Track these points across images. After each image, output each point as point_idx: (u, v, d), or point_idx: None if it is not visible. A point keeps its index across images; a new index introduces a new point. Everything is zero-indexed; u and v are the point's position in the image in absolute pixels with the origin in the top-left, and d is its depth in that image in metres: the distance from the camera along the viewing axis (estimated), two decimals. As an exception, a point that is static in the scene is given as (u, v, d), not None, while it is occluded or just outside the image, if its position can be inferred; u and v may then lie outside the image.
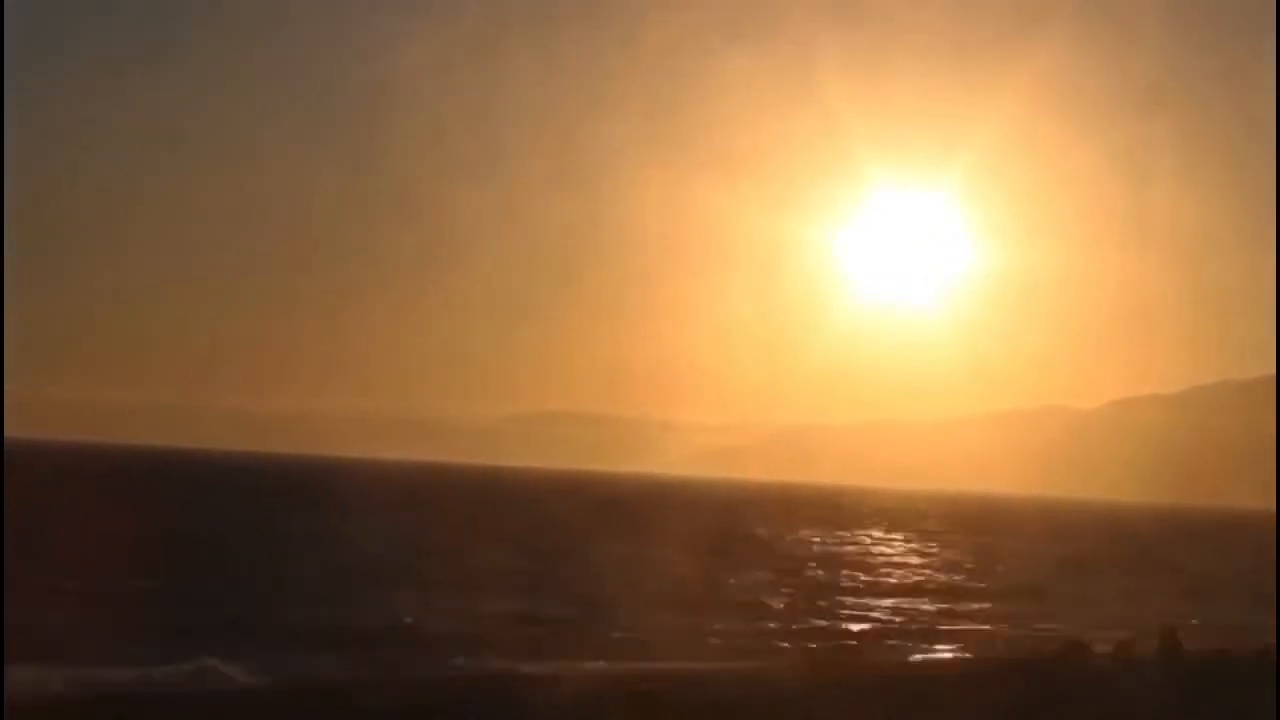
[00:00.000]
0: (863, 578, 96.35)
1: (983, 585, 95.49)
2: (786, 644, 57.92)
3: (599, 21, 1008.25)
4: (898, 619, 71.56)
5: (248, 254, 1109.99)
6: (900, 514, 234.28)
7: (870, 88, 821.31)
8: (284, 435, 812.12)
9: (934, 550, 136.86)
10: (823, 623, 66.81)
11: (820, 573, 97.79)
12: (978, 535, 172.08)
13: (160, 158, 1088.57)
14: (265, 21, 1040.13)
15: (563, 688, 37.62)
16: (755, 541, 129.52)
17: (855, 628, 66.14)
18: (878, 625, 68.28)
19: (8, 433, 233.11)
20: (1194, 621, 67.28)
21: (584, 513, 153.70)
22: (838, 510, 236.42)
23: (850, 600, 79.98)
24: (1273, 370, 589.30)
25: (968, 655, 57.09)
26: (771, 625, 65.05)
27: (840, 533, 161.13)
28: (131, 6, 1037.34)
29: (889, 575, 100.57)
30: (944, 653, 58.84)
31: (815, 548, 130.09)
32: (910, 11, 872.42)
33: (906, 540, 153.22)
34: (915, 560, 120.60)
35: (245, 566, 77.11)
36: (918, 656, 57.63)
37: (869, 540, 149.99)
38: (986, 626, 69.50)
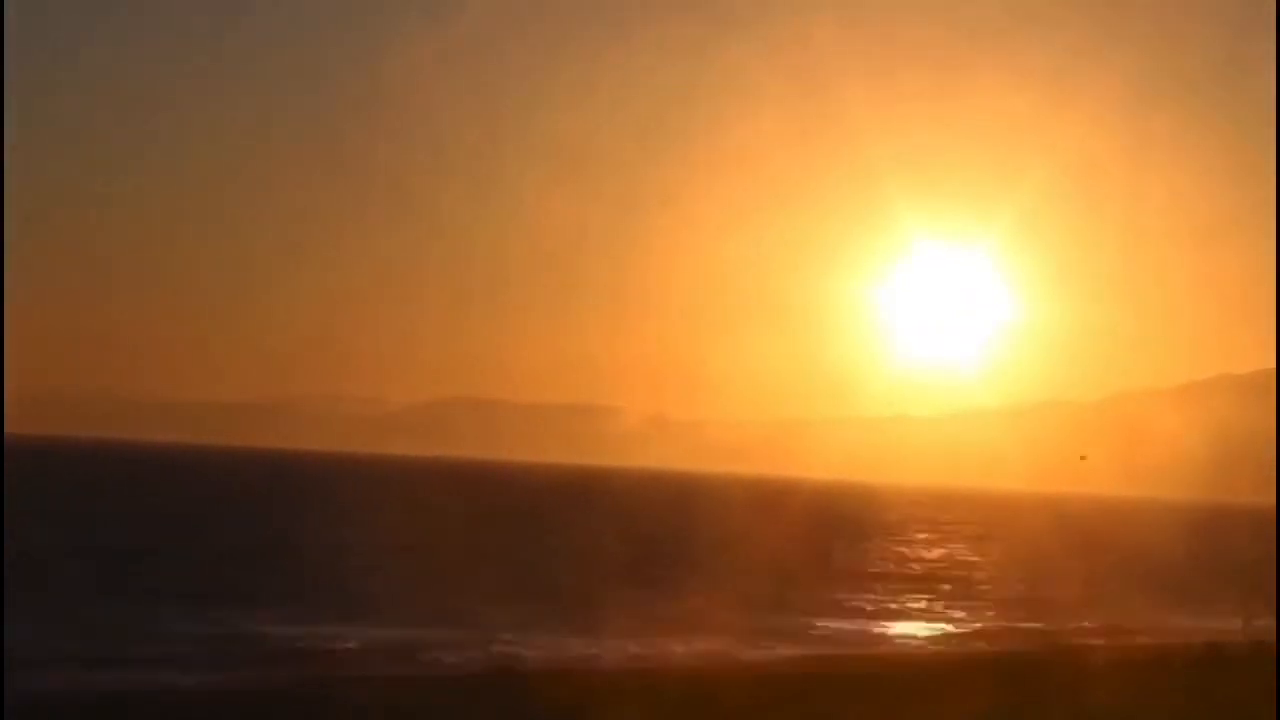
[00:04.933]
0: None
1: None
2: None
3: (631, 46, 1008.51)
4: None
5: (235, 247, 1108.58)
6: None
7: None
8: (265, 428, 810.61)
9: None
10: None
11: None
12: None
13: (158, 156, 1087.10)
14: (265, 20, 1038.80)
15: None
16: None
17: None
18: None
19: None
20: None
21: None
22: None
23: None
24: (1271, 364, 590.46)
25: None
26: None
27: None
28: (132, 6, 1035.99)
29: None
30: None
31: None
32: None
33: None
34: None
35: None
36: None
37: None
38: None
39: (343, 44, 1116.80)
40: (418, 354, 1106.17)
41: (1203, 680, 41.02)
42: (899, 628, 66.58)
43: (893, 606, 75.48)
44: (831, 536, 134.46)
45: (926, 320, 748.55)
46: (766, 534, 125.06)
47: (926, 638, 63.58)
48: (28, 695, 36.31)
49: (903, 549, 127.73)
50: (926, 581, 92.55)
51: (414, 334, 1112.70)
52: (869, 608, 73.74)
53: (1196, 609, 76.58)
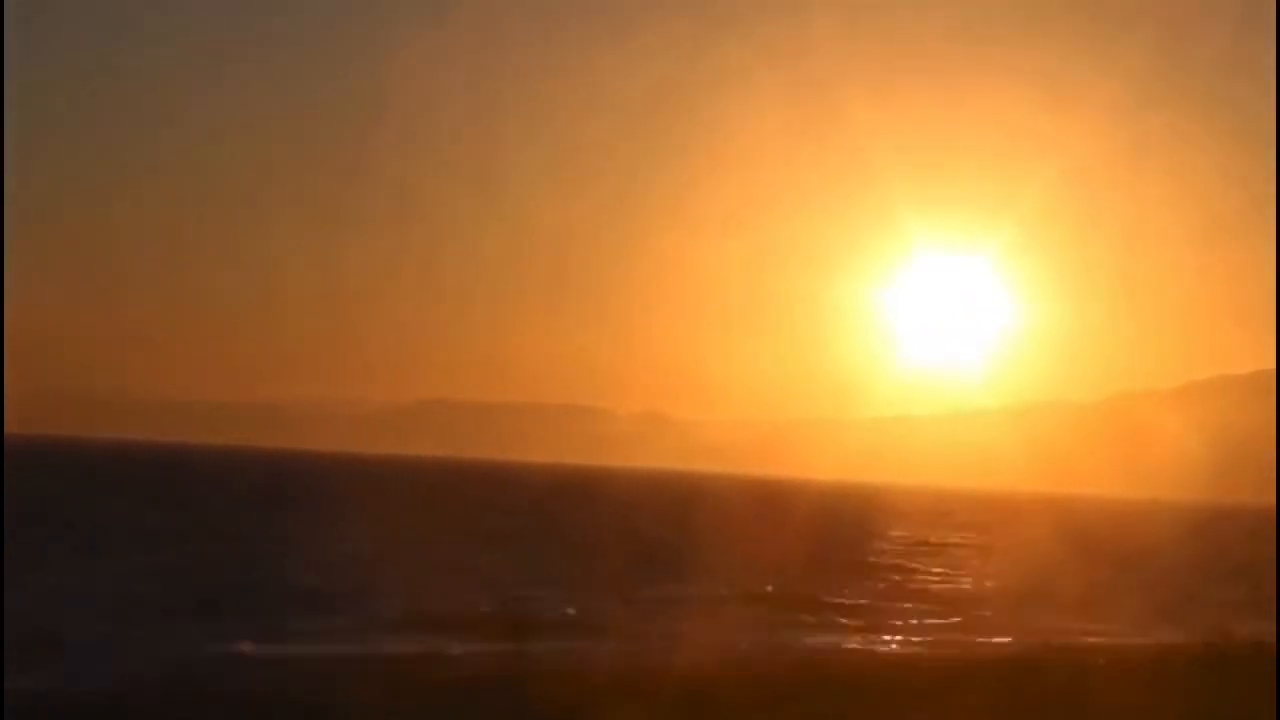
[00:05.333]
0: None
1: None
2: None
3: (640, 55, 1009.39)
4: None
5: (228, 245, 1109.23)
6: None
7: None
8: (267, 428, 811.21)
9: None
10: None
11: None
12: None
13: (158, 156, 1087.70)
14: (266, 19, 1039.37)
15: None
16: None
17: None
18: None
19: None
20: None
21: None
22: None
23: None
24: (1271, 364, 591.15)
25: None
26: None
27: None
28: (133, 5, 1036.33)
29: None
30: None
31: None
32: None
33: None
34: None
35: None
36: None
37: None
38: None
39: (342, 44, 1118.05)
40: (417, 355, 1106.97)
41: (1200, 684, 41.08)
42: (896, 631, 66.50)
43: (890, 609, 75.39)
44: (829, 540, 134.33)
45: (927, 321, 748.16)
46: (760, 538, 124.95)
47: (925, 640, 63.54)
48: (27, 696, 36.45)
49: (902, 550, 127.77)
50: (925, 583, 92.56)
51: (413, 334, 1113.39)
52: (864, 613, 73.44)
53: (1186, 613, 76.51)
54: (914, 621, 69.78)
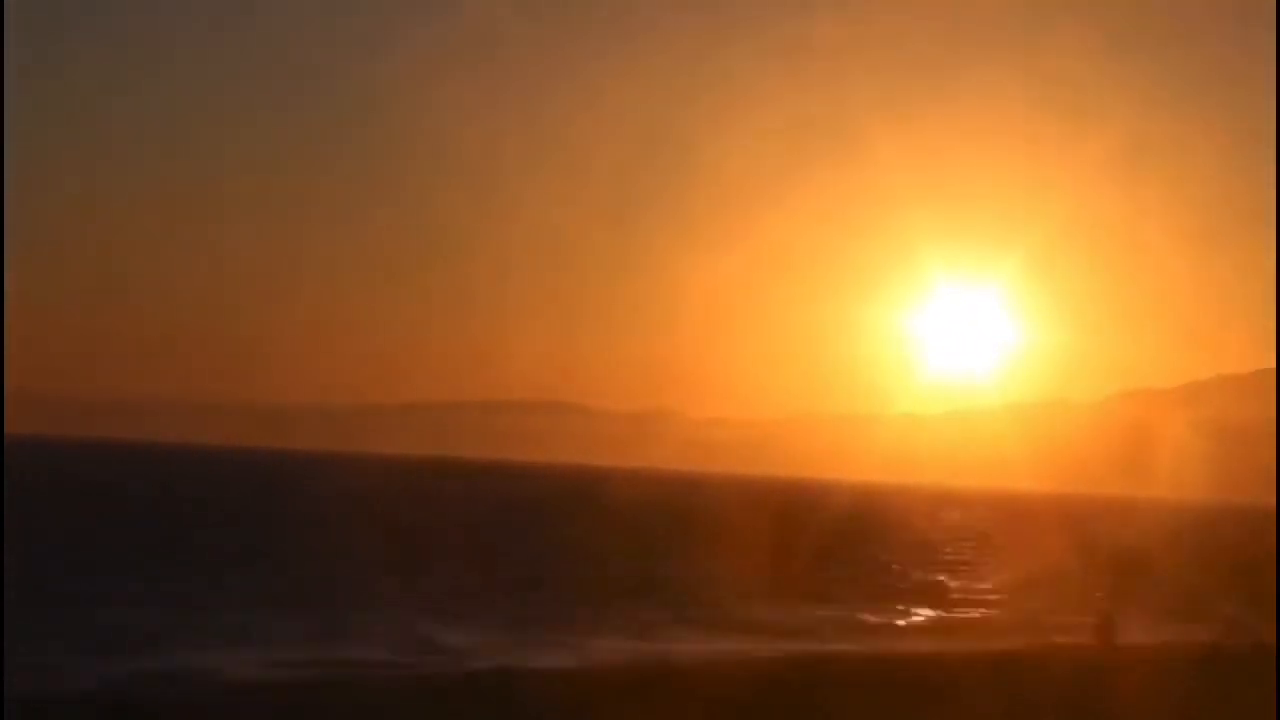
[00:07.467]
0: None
1: None
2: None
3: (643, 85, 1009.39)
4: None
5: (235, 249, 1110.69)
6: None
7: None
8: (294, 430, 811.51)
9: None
10: None
11: None
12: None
13: (158, 156, 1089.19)
14: (267, 19, 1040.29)
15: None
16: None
17: None
18: None
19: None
20: None
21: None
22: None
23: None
24: (1271, 364, 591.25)
25: None
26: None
27: None
28: (133, 5, 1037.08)
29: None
30: None
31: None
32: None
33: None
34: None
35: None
36: None
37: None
38: None
39: (342, 45, 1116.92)
40: (415, 355, 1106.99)
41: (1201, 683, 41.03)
42: (894, 637, 66.28)
43: (887, 615, 75.16)
44: (828, 541, 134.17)
45: (930, 324, 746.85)
46: (757, 540, 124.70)
47: (924, 643, 63.41)
48: (26, 696, 36.49)
49: (903, 549, 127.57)
50: (926, 586, 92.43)
51: (413, 335, 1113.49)
52: (863, 618, 73.14)
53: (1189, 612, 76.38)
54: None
